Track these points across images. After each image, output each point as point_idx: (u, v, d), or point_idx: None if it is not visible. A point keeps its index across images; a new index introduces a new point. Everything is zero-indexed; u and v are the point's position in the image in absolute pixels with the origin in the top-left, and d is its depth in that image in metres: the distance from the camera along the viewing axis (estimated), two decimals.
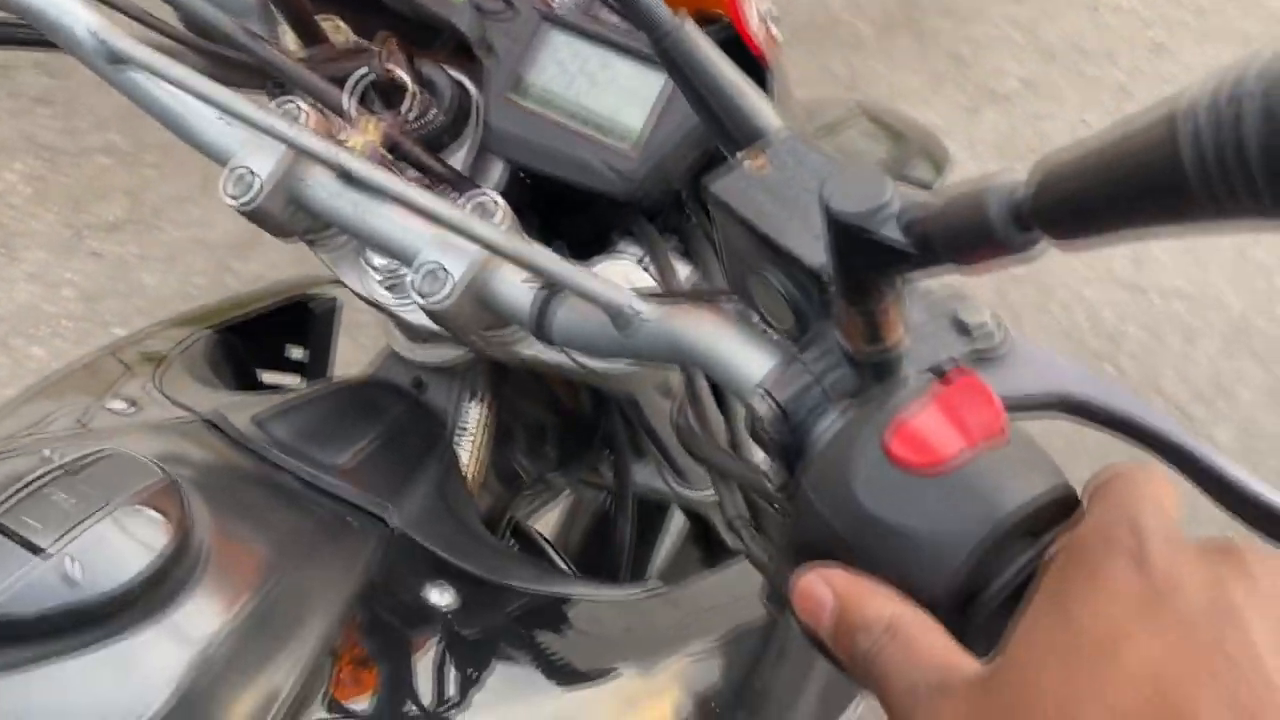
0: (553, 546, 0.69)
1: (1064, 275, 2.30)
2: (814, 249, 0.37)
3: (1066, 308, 2.24)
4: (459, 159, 0.59)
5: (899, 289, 0.35)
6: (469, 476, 0.63)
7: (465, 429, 0.63)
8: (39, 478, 0.46)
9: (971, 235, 0.30)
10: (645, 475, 0.77)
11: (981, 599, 0.32)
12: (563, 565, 0.67)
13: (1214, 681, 0.25)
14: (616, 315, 0.45)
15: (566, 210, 0.62)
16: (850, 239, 0.32)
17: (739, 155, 0.40)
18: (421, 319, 0.55)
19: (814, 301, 0.38)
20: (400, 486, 0.57)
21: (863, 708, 0.75)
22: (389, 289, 0.57)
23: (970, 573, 0.32)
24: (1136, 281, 2.31)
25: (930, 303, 0.41)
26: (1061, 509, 0.33)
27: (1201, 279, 2.24)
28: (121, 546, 0.44)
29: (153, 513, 0.46)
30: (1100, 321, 2.20)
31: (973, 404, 0.34)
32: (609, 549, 0.75)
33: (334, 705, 0.47)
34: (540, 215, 0.59)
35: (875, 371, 0.37)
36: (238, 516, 0.50)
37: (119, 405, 0.57)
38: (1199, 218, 0.24)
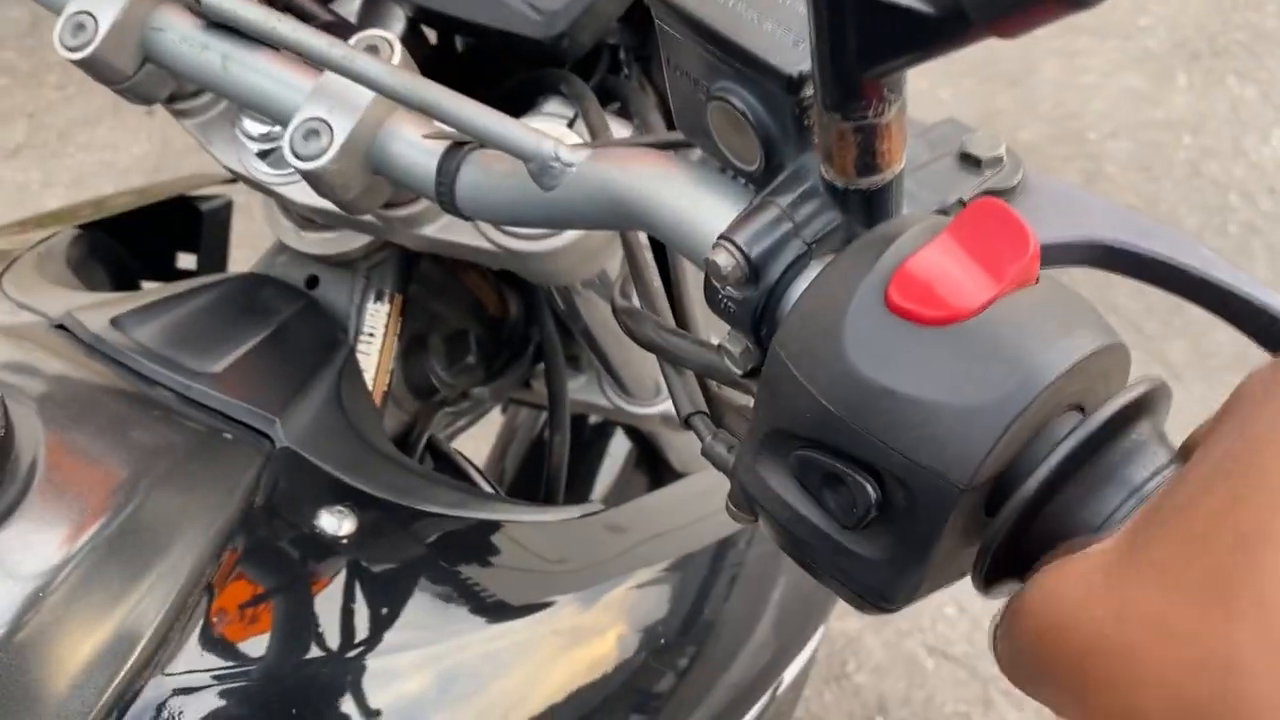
0: (476, 469, 0.60)
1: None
2: (790, 55, 0.29)
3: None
4: (351, 9, 0.50)
5: (903, 91, 0.27)
6: (373, 388, 0.54)
7: (368, 333, 0.54)
8: None
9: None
10: (584, 390, 0.69)
11: (1018, 493, 0.24)
12: (488, 489, 0.59)
13: None
14: (539, 170, 0.36)
15: (481, 75, 0.53)
16: (843, 7, 0.24)
17: None
18: (309, 197, 0.46)
19: (789, 127, 0.29)
20: (289, 398, 0.48)
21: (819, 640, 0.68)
22: (267, 161, 0.48)
23: (1002, 452, 0.24)
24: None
25: (932, 138, 0.33)
26: (1118, 373, 0.26)
27: None
28: None
29: None
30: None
31: (997, 236, 0.26)
32: (544, 477, 0.67)
33: (210, 646, 0.39)
34: (448, 82, 0.50)
35: (868, 214, 0.29)
36: (83, 432, 0.41)
37: None
38: None
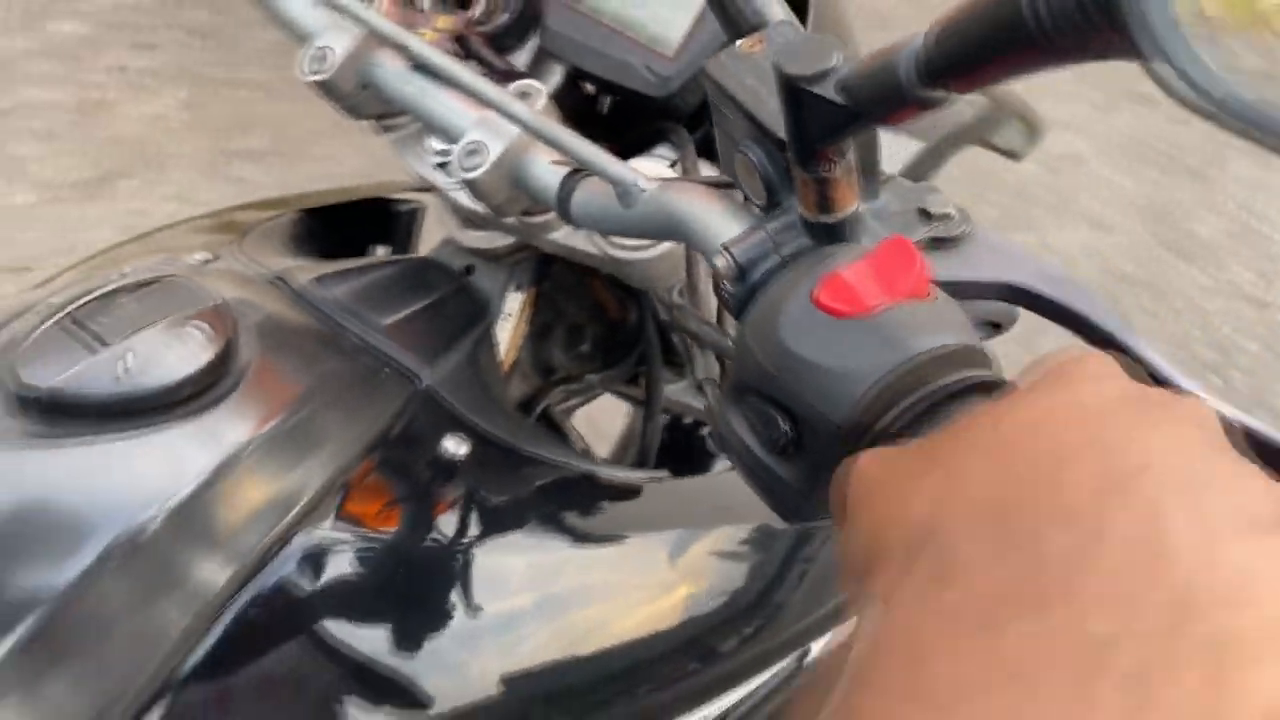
0: (580, 438, 0.73)
1: (1182, 285, 2.25)
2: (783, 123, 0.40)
3: (1178, 314, 2.18)
4: (521, 60, 0.64)
5: (848, 160, 0.38)
6: (504, 359, 0.68)
7: (505, 314, 0.68)
8: (113, 288, 0.52)
9: (889, 92, 0.33)
10: (682, 393, 0.81)
11: (875, 429, 0.35)
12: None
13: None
14: (623, 192, 0.49)
15: (618, 123, 0.66)
16: (796, 99, 0.36)
17: (739, 42, 0.44)
18: (470, 201, 0.61)
19: (782, 175, 0.41)
20: (436, 352, 0.62)
21: None
22: (443, 171, 0.62)
23: (868, 405, 0.35)
24: (1263, 298, 2.23)
25: (902, 193, 0.44)
26: (966, 365, 0.36)
27: None
28: (170, 353, 0.50)
29: (204, 330, 0.52)
30: (1213, 332, 2.14)
31: (899, 263, 0.37)
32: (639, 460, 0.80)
33: (344, 522, 0.53)
34: (598, 125, 0.64)
35: (828, 240, 0.40)
36: (282, 352, 0.56)
37: (200, 255, 0.64)
38: (1047, 60, 0.27)
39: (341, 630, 0.51)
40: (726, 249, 0.41)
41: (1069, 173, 2.53)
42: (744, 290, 0.41)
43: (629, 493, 0.67)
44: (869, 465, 0.32)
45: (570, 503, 0.64)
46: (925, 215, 0.43)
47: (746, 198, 0.44)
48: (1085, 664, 0.23)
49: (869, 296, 0.36)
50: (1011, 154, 1.12)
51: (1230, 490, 0.27)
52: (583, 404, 0.79)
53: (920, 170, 1.02)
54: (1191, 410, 0.30)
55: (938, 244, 0.42)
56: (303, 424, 0.54)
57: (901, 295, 0.36)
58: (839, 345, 0.36)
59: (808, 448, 0.37)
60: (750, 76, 0.42)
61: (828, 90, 0.35)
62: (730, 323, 0.51)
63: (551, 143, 0.52)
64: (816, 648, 0.69)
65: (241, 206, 0.80)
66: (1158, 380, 0.40)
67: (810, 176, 0.38)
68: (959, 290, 0.40)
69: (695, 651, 0.65)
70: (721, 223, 0.44)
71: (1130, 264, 2.29)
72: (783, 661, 0.68)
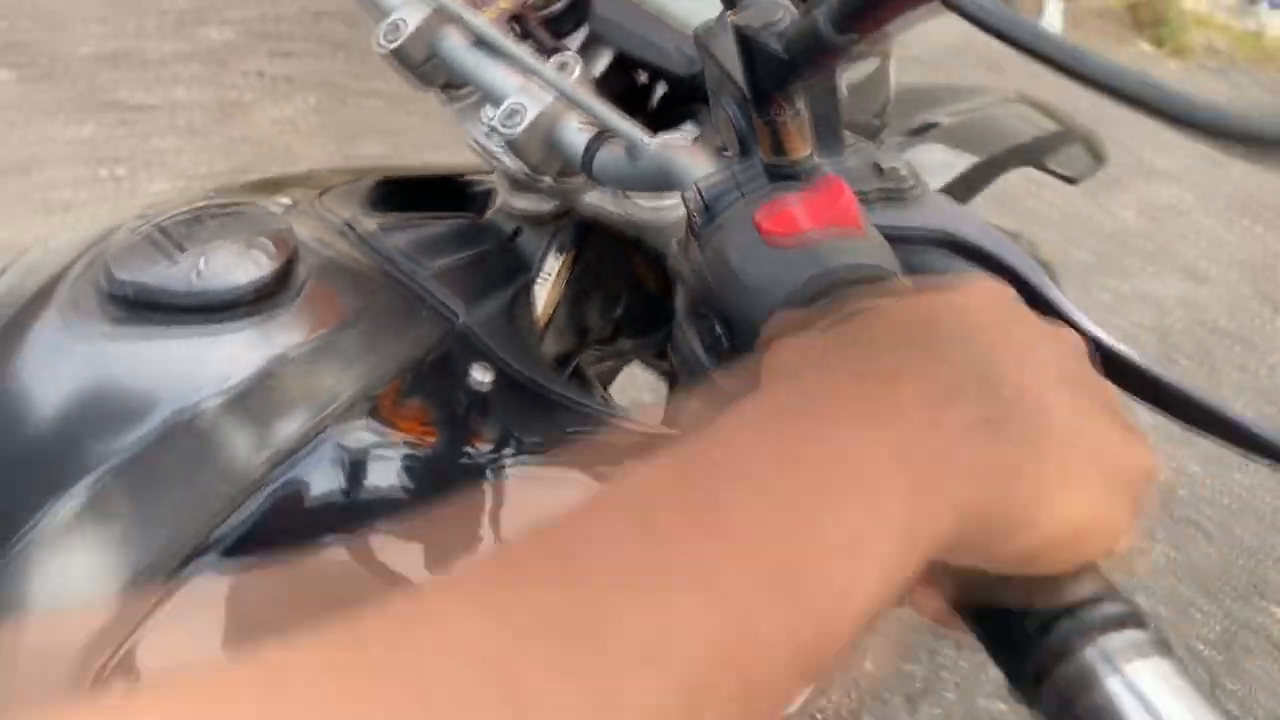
0: (608, 397, 0.80)
1: (1277, 340, 2.21)
2: None
3: (1273, 370, 2.14)
4: (574, 43, 0.72)
5: (799, 108, 0.44)
6: (540, 315, 0.75)
7: (545, 274, 0.75)
8: (198, 208, 0.61)
9: (813, 42, 0.39)
10: None
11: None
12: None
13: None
14: (631, 147, 0.56)
15: (663, 106, 0.73)
16: (748, 51, 0.42)
17: (727, 11, 0.50)
18: (513, 163, 0.68)
19: (750, 126, 0.47)
20: (477, 298, 0.70)
21: None
22: (494, 139, 0.70)
23: (781, 309, 0.41)
24: None
25: (862, 153, 0.50)
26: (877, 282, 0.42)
27: None
28: (238, 264, 0.59)
29: (268, 250, 0.60)
30: None
31: (829, 198, 0.42)
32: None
33: (372, 422, 0.60)
34: (644, 110, 0.71)
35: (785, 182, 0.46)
36: (336, 279, 0.64)
37: (283, 200, 0.73)
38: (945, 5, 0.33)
39: (361, 514, 0.59)
40: (696, 186, 0.47)
41: (1169, 222, 2.51)
42: (707, 221, 0.47)
43: (653, 440, 0.73)
44: (777, 346, 0.38)
45: (593, 443, 0.70)
46: (879, 171, 0.48)
47: (724, 148, 0.50)
48: (906, 405, 0.32)
49: (801, 223, 0.42)
50: (1068, 178, 1.15)
51: (1050, 362, 0.33)
52: (614, 371, 0.85)
53: (970, 184, 1.07)
54: (1053, 330, 0.36)
55: (889, 197, 0.48)
56: (345, 340, 0.62)
57: (828, 224, 0.42)
58: (769, 260, 0.42)
59: (739, 349, 0.43)
60: (730, 40, 0.48)
61: (771, 41, 0.41)
62: None
63: (577, 104, 0.59)
64: None
65: (330, 170, 0.89)
66: (1113, 357, 0.44)
67: (764, 121, 0.44)
68: (901, 237, 0.46)
69: None
70: (700, 169, 0.50)
71: (1225, 316, 2.26)
72: None
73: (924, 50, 2.99)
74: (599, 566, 0.27)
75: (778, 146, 0.45)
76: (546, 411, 0.69)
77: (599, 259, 0.79)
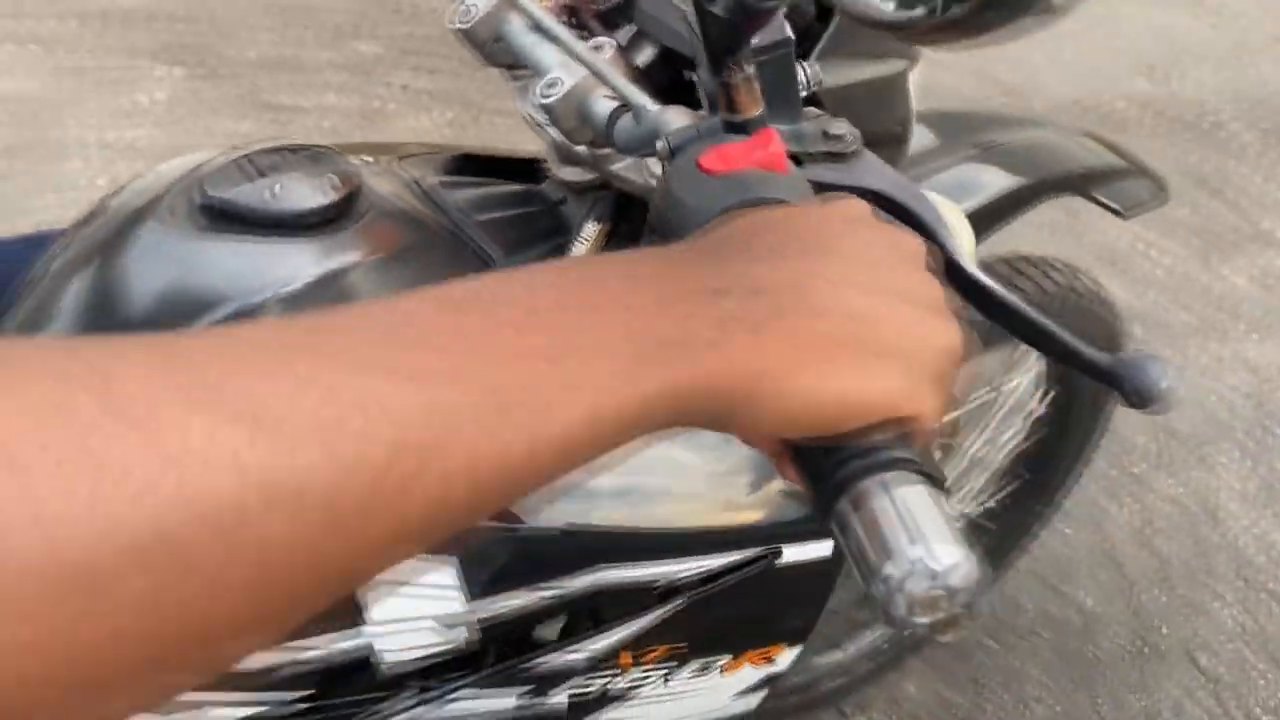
0: None
1: None
2: None
3: None
4: (623, 37, 0.82)
5: (748, 71, 0.53)
6: None
7: (581, 239, 0.85)
8: (283, 145, 0.73)
9: (742, 6, 0.47)
10: None
11: None
12: None
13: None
14: (637, 111, 0.65)
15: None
16: (702, 17, 0.51)
17: None
18: (554, 133, 0.78)
19: (714, 89, 0.56)
20: (514, 248, 0.80)
21: None
22: (539, 109, 0.80)
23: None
24: None
25: (815, 121, 0.58)
26: None
27: None
28: (308, 190, 0.70)
29: (335, 184, 0.72)
30: None
31: (761, 145, 0.51)
32: None
33: None
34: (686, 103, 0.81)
35: (738, 135, 0.55)
36: (393, 216, 0.75)
37: (364, 156, 0.85)
38: None
39: None
40: (665, 136, 0.56)
41: None
42: (671, 163, 0.56)
43: None
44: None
45: None
46: (826, 136, 0.57)
47: (698, 107, 0.59)
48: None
49: (732, 162, 0.51)
50: (1116, 211, 1.19)
51: (875, 260, 0.40)
52: None
53: (1015, 204, 1.12)
54: (891, 234, 0.43)
55: (831, 157, 0.56)
56: (392, 267, 0.72)
57: (756, 164, 0.51)
58: (702, 190, 0.50)
59: None
60: None
61: (719, 8, 0.50)
62: None
63: (599, 76, 0.69)
64: (787, 551, 0.81)
65: (419, 143, 1.01)
66: (961, 274, 0.52)
67: (720, 82, 0.53)
68: (833, 186, 0.54)
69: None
70: (679, 125, 0.59)
71: None
72: (755, 549, 0.80)
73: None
74: (344, 344, 0.31)
75: (731, 105, 0.54)
76: None
77: (632, 232, 0.89)
